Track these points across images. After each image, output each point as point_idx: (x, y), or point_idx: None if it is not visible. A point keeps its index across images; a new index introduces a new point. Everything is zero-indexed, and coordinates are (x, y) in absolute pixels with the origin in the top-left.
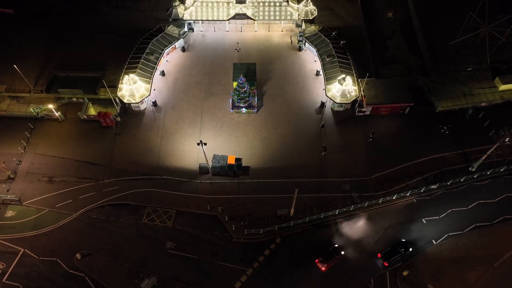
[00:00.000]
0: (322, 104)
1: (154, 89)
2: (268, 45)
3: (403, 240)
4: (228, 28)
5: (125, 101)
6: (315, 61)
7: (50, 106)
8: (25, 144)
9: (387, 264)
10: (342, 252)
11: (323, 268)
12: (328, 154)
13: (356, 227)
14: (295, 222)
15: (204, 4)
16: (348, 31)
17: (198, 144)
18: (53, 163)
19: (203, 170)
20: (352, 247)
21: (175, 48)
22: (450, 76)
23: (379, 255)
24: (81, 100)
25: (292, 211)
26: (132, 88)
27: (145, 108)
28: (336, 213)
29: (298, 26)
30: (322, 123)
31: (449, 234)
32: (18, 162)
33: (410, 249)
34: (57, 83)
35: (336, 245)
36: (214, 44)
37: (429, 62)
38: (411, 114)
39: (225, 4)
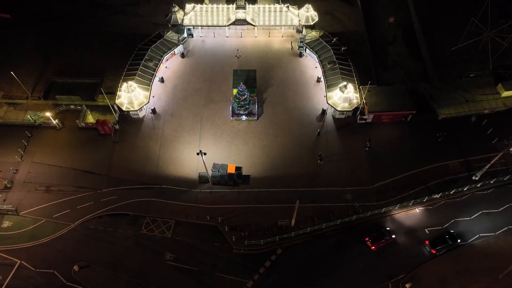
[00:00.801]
0: (323, 112)
1: (153, 96)
2: (268, 51)
3: (452, 231)
4: (228, 33)
5: (123, 108)
6: (316, 67)
7: (48, 114)
8: (22, 152)
9: (434, 252)
10: (393, 236)
11: (373, 247)
12: (330, 162)
13: (356, 238)
14: (296, 233)
15: (204, 9)
16: (349, 36)
17: (197, 154)
18: (50, 172)
19: (202, 179)
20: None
21: (174, 54)
22: (452, 82)
23: (427, 242)
24: (79, 107)
25: (293, 221)
26: (131, 96)
27: (144, 116)
28: (338, 223)
29: (299, 31)
30: (318, 131)
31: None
32: (15, 171)
33: (459, 240)
34: (55, 89)
35: (388, 228)
36: (214, 50)
37: (430, 68)
38: (413, 121)
39: (225, 10)
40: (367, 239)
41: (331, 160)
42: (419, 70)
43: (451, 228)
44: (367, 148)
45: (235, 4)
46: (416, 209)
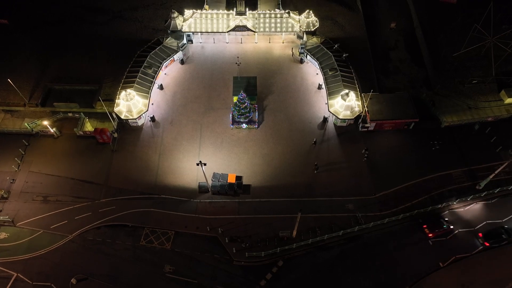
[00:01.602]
0: (325, 119)
1: (152, 104)
2: (269, 57)
3: (506, 226)
4: (228, 39)
5: (122, 117)
6: (317, 74)
7: (45, 122)
8: (19, 161)
9: (488, 244)
10: (452, 226)
11: (430, 235)
12: (331, 171)
13: (358, 250)
14: (298, 244)
15: (204, 15)
16: (350, 41)
17: (197, 164)
18: (48, 181)
19: (202, 189)
20: None
21: (173, 60)
22: (454, 89)
23: (480, 234)
24: (77, 115)
25: (294, 232)
26: (130, 104)
27: (143, 124)
28: (340, 234)
29: (300, 37)
30: (314, 140)
31: (457, 256)
32: (11, 181)
33: None
34: (53, 96)
35: (447, 219)
36: (214, 56)
37: (432, 74)
38: (415, 129)
39: (225, 16)
40: (424, 226)
41: (333, 169)
42: (421, 76)
43: (457, 241)
44: (365, 159)
45: (235, 10)
46: (420, 219)
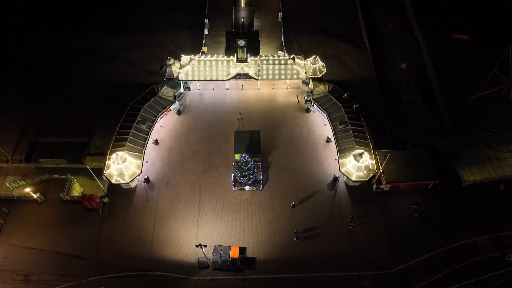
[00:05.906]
0: (335, 179)
1: (146, 162)
2: (272, 105)
3: None
4: (228, 85)
5: (113, 181)
6: (325, 124)
7: (28, 189)
8: None
9: None
10: None
11: None
12: (342, 237)
13: None
14: None
15: (202, 63)
16: (358, 83)
17: (196, 246)
18: (30, 256)
19: (202, 265)
20: None
21: (169, 110)
22: (472, 137)
23: None
24: (63, 176)
25: None
26: (121, 167)
27: (136, 186)
28: None
29: (306, 84)
30: (293, 203)
31: None
32: None
33: None
34: (38, 150)
35: None
36: (213, 105)
37: (448, 120)
38: (435, 189)
39: (225, 63)
40: None
41: (344, 235)
42: (435, 123)
43: None
44: (351, 227)
45: (235, 56)
46: None
